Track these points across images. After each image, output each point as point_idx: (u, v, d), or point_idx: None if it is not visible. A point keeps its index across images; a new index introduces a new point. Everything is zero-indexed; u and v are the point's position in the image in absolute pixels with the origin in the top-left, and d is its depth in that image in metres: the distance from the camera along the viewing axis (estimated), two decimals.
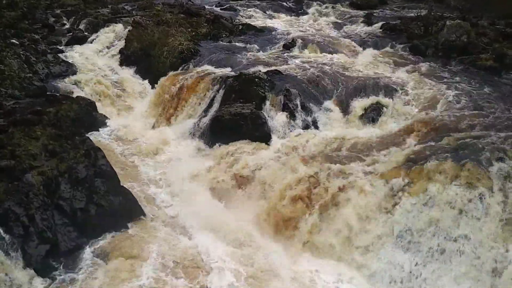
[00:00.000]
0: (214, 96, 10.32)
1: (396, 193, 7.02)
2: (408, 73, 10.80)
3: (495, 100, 9.33)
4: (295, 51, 12.75)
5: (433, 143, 7.81)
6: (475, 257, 6.23)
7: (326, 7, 18.81)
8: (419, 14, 14.45)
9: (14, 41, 12.53)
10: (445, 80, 10.47)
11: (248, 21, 16.19)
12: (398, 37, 13.65)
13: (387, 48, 12.92)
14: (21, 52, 11.74)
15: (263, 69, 10.93)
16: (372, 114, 9.57)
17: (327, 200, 7.32)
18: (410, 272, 6.44)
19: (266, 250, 6.98)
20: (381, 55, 12.35)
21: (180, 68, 12.09)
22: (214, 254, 6.74)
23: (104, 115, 10.62)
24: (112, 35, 14.42)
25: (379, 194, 7.09)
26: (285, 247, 7.14)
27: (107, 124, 10.39)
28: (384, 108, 9.59)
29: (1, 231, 6.15)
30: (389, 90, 9.97)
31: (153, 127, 10.76)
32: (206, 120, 10.00)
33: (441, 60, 11.67)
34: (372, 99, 9.79)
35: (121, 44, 13.79)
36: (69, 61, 12.51)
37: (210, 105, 10.27)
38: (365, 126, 9.39)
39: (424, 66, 11.35)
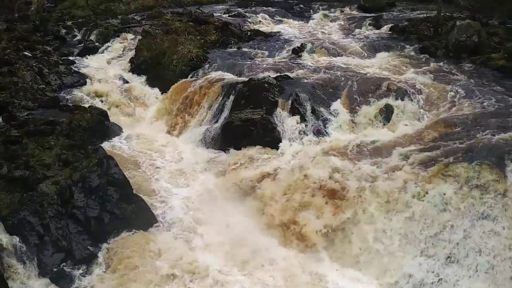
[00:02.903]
0: (224, 103, 10.36)
1: (411, 195, 6.96)
2: (418, 75, 10.70)
3: (508, 100, 9.21)
4: (304, 56, 12.73)
5: (446, 145, 7.74)
6: (493, 259, 6.13)
7: (334, 11, 18.78)
8: (428, 15, 14.35)
9: (27, 53, 12.73)
10: (456, 80, 10.37)
11: (256, 27, 16.22)
12: (408, 39, 13.57)
13: (397, 50, 12.84)
14: (34, 64, 11.91)
15: (273, 74, 10.94)
16: (384, 117, 9.51)
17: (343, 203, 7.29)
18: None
19: None
20: (391, 58, 12.27)
21: (190, 76, 12.14)
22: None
23: (116, 124, 10.70)
24: (122, 45, 14.57)
25: (394, 197, 7.02)
26: None
27: (119, 132, 10.45)
28: (395, 110, 9.52)
29: (17, 240, 6.24)
30: (400, 93, 9.90)
31: (164, 134, 10.81)
32: (217, 126, 10.04)
33: (452, 61, 11.57)
34: (383, 102, 9.73)
35: (131, 53, 13.92)
36: (81, 72, 12.64)
37: (220, 111, 10.31)
38: (376, 129, 9.33)
39: (434, 67, 11.26)
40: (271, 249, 7.12)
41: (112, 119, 10.83)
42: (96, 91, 11.80)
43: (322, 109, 9.82)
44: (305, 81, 10.62)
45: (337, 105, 9.97)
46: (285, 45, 13.68)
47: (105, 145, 9.36)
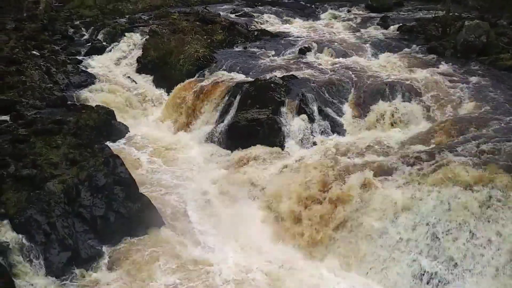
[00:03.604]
0: (231, 102, 10.36)
1: (419, 196, 6.91)
2: (426, 75, 10.63)
3: None
4: (311, 56, 12.71)
5: (454, 145, 7.68)
6: (499, 261, 6.07)
7: (341, 11, 18.72)
8: (436, 15, 14.26)
9: (35, 52, 12.80)
10: (465, 81, 10.29)
11: (263, 26, 16.23)
12: (416, 39, 13.50)
13: (405, 50, 12.76)
14: (42, 63, 11.98)
15: (279, 74, 10.93)
16: (391, 118, 9.45)
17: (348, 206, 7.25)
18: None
19: None
20: (398, 58, 12.19)
21: (197, 75, 12.16)
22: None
23: (123, 123, 10.74)
24: (130, 44, 14.61)
25: (403, 197, 6.98)
26: None
27: (126, 132, 10.50)
28: (402, 111, 9.47)
29: (24, 239, 6.28)
30: (408, 93, 9.85)
31: (171, 134, 10.84)
32: (223, 126, 10.04)
33: (460, 61, 11.47)
34: (390, 103, 9.70)
35: (138, 53, 13.96)
36: (88, 71, 12.70)
37: (226, 111, 10.31)
38: (384, 130, 9.28)
39: (443, 68, 11.19)
40: (280, 253, 7.10)
41: (119, 118, 10.87)
42: (104, 90, 11.85)
43: (329, 109, 9.79)
44: (312, 81, 10.59)
45: (344, 105, 9.96)
46: (292, 45, 13.65)
47: (112, 144, 9.40)
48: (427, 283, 6.28)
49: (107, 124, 10.10)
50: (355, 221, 7.06)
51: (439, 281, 6.24)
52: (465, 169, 6.88)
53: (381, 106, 9.69)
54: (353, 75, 10.89)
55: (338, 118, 9.73)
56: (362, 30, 15.34)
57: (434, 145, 8.04)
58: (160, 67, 13.01)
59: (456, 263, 6.26)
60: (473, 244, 6.28)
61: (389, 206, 6.97)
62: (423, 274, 6.34)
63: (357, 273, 6.70)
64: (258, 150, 9.14)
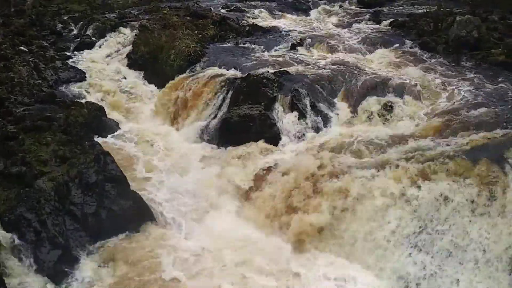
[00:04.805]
0: (223, 98, 10.29)
1: (409, 192, 6.92)
2: (418, 71, 10.67)
3: (508, 96, 9.18)
4: (303, 51, 12.67)
5: (445, 141, 7.71)
6: (491, 256, 6.10)
7: (334, 6, 18.71)
8: (428, 10, 14.29)
9: (23, 48, 12.64)
10: (456, 76, 10.34)
11: (255, 21, 16.14)
12: (408, 34, 13.51)
13: (396, 46, 12.77)
14: (30, 59, 11.83)
15: (271, 70, 10.86)
16: (382, 113, 9.45)
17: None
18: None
19: None
20: (390, 53, 12.22)
21: (188, 71, 12.05)
22: None
23: (113, 120, 10.65)
24: (120, 40, 14.47)
25: (393, 194, 6.99)
26: None
27: (116, 128, 10.40)
28: (394, 107, 9.47)
29: (14, 237, 6.19)
30: (400, 88, 9.85)
31: (162, 130, 10.74)
32: (215, 122, 9.97)
33: (451, 56, 11.51)
34: (382, 98, 9.69)
35: (128, 48, 13.82)
36: (78, 67, 12.57)
37: (218, 107, 10.24)
38: (376, 125, 9.28)
39: (434, 63, 11.22)
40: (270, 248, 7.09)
41: (109, 114, 10.76)
42: (93, 86, 11.72)
43: (321, 105, 9.76)
44: (304, 76, 10.55)
45: (336, 101, 9.93)
46: (284, 40, 13.60)
47: (102, 141, 9.31)
48: None
49: (97, 121, 10.01)
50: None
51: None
52: (456, 163, 6.90)
53: (372, 102, 9.68)
54: (344, 70, 10.87)
55: (330, 113, 9.70)
56: (354, 25, 15.33)
57: (424, 140, 8.04)
58: (150, 63, 12.87)
59: (445, 257, 6.26)
60: (465, 240, 6.29)
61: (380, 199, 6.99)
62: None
63: None
64: (250, 146, 9.05)
